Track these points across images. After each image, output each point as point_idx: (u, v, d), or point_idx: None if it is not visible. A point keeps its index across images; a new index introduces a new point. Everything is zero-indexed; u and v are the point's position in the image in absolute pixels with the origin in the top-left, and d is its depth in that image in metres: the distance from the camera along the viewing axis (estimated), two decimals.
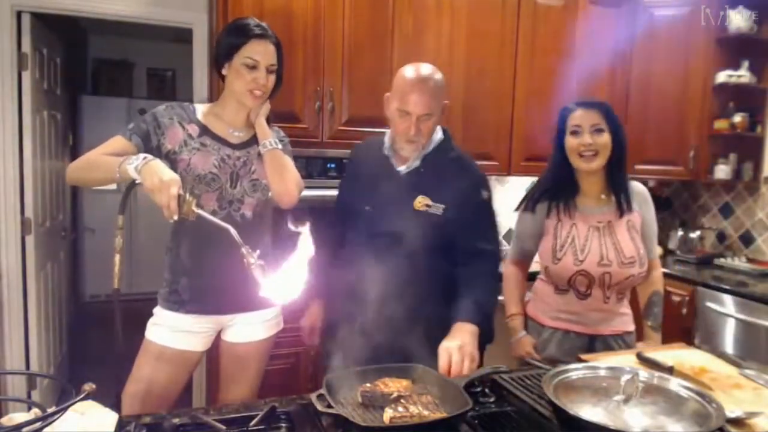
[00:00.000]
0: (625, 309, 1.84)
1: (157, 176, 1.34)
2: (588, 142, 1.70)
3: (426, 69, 1.63)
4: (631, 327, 1.86)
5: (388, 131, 1.74)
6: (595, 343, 1.79)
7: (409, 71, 1.62)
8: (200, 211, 1.35)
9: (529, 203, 1.87)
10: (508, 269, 1.96)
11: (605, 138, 1.71)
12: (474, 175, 1.71)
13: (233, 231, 1.29)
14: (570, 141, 1.74)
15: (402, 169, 1.70)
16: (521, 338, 1.83)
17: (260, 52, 1.58)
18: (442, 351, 1.44)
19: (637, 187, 1.85)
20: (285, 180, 1.64)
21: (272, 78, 1.63)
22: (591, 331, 1.79)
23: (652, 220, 1.86)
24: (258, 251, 1.28)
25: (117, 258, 1.39)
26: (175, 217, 1.34)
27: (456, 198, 1.65)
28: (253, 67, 1.58)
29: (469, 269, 1.66)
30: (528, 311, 1.92)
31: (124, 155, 1.51)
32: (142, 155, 1.42)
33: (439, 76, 1.63)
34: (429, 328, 1.53)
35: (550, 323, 1.83)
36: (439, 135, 1.72)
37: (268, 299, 1.66)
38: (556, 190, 1.81)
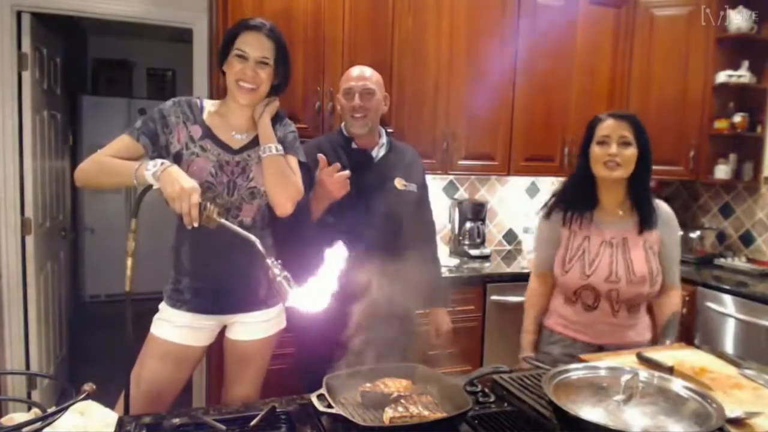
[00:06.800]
0: (638, 320, 1.78)
1: (178, 184, 1.33)
2: (613, 153, 1.68)
3: (367, 68, 1.96)
4: (646, 336, 1.79)
5: (335, 135, 1.99)
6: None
7: (353, 68, 1.96)
8: (222, 220, 1.34)
9: (545, 209, 1.86)
10: (531, 283, 1.93)
11: (631, 151, 1.69)
12: (420, 162, 2.10)
13: (258, 243, 1.28)
14: (596, 150, 1.72)
15: (375, 154, 1.95)
16: (524, 359, 1.75)
17: (250, 43, 1.55)
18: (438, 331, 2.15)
19: (662, 207, 1.80)
20: (282, 189, 1.57)
21: (265, 72, 1.57)
22: (598, 342, 1.75)
23: (676, 242, 1.80)
24: (279, 261, 1.27)
25: (129, 261, 1.39)
26: (196, 224, 1.34)
27: (418, 180, 2.01)
28: (242, 58, 1.55)
29: (430, 246, 2.15)
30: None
31: (132, 156, 1.51)
32: (159, 161, 1.41)
33: (378, 75, 1.95)
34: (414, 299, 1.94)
35: (559, 330, 1.82)
36: (384, 135, 2.00)
37: (270, 299, 1.67)
38: (575, 199, 1.79)
